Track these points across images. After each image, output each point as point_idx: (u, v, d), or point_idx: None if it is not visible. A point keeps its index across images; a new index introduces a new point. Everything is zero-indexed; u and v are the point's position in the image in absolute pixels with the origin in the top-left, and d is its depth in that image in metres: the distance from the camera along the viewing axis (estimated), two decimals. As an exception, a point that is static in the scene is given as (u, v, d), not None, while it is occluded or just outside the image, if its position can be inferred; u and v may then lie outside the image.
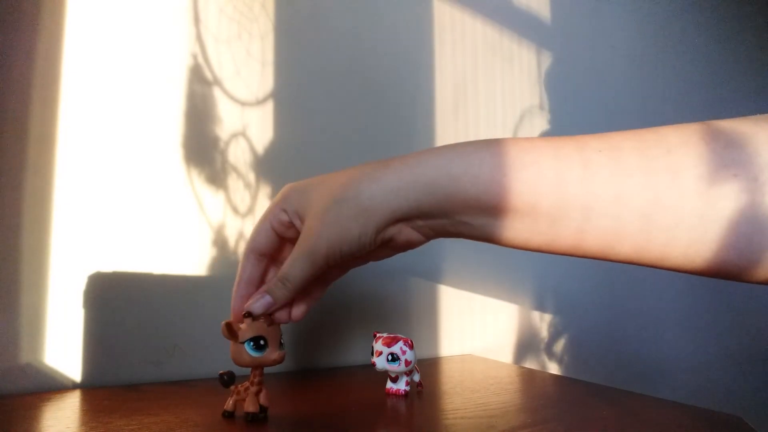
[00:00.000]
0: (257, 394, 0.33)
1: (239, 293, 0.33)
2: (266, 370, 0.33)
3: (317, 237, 0.29)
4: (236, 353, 0.31)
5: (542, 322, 0.82)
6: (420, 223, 0.29)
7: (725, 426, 0.38)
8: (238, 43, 0.55)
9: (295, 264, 0.30)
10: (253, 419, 0.32)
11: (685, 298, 1.04)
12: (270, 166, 0.56)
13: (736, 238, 0.22)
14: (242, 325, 0.31)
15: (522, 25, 0.84)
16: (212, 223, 0.52)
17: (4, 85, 0.43)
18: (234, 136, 0.54)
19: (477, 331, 0.74)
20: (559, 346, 0.84)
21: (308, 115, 0.60)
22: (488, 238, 0.29)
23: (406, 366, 0.40)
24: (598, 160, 0.25)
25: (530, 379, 0.54)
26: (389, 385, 0.43)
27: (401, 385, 0.43)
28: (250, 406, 0.32)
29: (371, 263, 0.35)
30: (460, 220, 0.28)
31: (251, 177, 0.55)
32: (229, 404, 0.34)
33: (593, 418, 0.38)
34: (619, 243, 0.25)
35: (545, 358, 0.82)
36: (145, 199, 0.49)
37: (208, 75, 0.53)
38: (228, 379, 0.32)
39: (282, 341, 0.33)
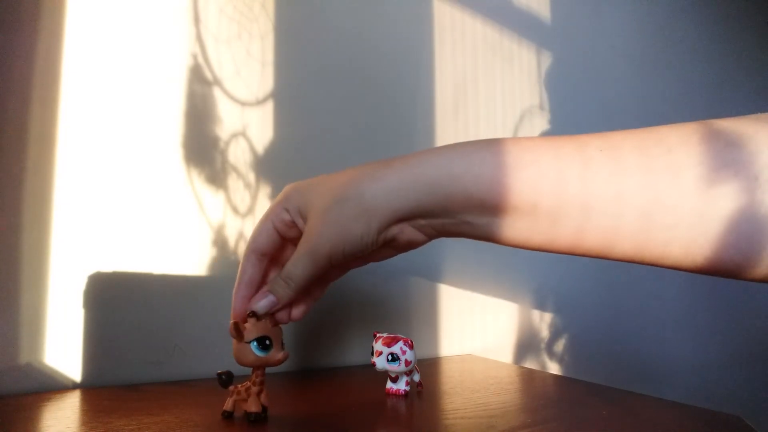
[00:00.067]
0: (259, 394, 0.33)
1: (240, 294, 0.33)
2: (267, 370, 0.33)
3: (319, 236, 0.29)
4: (240, 353, 0.31)
5: (542, 322, 0.82)
6: (422, 222, 0.29)
7: (725, 426, 0.38)
8: (238, 43, 0.55)
9: (297, 263, 0.30)
10: (255, 419, 0.32)
11: (685, 298, 1.05)
12: (270, 166, 0.56)
13: (737, 237, 0.22)
14: (246, 325, 0.31)
15: (522, 25, 0.84)
16: (212, 223, 0.52)
17: (4, 85, 0.43)
18: (234, 136, 0.54)
19: (477, 331, 0.74)
20: (560, 345, 0.84)
21: (308, 115, 0.60)
22: (489, 237, 0.29)
23: (406, 366, 0.40)
24: (599, 160, 0.25)
25: (530, 379, 0.54)
26: (389, 385, 0.43)
27: (401, 385, 0.43)
28: (252, 406, 0.32)
29: (371, 263, 0.35)
30: (462, 219, 0.28)
31: (251, 177, 0.55)
32: (228, 404, 0.34)
33: (593, 418, 0.38)
34: (619, 241, 0.25)
35: (545, 357, 0.82)
36: (145, 199, 0.49)
37: (208, 75, 0.53)
38: (226, 379, 0.32)
39: (282, 342, 0.33)
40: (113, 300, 0.47)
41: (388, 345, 0.40)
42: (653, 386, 0.97)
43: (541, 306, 0.83)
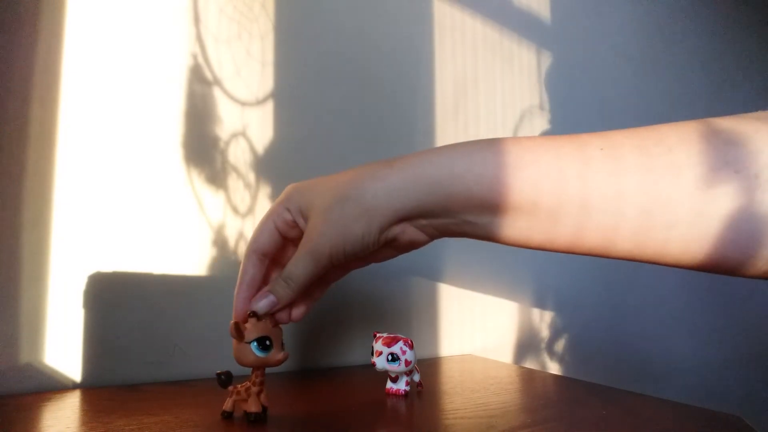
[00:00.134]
0: (259, 394, 0.33)
1: (241, 294, 0.33)
2: (267, 370, 0.33)
3: (320, 236, 0.29)
4: (240, 353, 0.31)
5: (542, 322, 0.82)
6: (423, 222, 0.29)
7: (725, 426, 0.38)
8: (238, 43, 0.55)
9: (298, 263, 0.30)
10: (255, 419, 0.32)
11: (685, 298, 1.05)
12: (270, 166, 0.56)
13: (737, 235, 0.23)
14: (247, 325, 0.31)
15: (522, 25, 0.84)
16: (212, 223, 0.52)
17: (4, 85, 0.43)
18: (234, 136, 0.54)
19: (477, 331, 0.74)
20: (560, 345, 0.84)
21: (308, 115, 0.60)
22: (490, 236, 0.29)
23: (406, 366, 0.40)
24: (599, 159, 0.25)
25: (530, 379, 0.54)
26: (389, 385, 0.43)
27: (401, 385, 0.43)
28: (252, 407, 0.32)
29: (372, 263, 0.35)
30: (463, 218, 0.28)
31: (251, 177, 0.55)
32: (228, 404, 0.34)
33: (593, 418, 0.38)
34: (619, 240, 0.25)
35: (545, 357, 0.82)
36: (145, 199, 0.49)
37: (208, 75, 0.53)
38: (225, 379, 0.32)
39: (283, 342, 0.33)
40: (113, 300, 0.47)
41: (388, 345, 0.40)
42: (653, 385, 0.97)
43: (541, 306, 0.83)
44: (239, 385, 0.33)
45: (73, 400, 0.40)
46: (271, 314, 0.32)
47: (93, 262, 0.46)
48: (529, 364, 0.80)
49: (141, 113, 0.49)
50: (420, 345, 0.65)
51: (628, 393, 0.46)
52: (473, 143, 0.28)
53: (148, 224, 0.49)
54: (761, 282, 1.08)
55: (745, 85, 1.24)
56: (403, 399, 0.42)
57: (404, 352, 0.40)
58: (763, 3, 1.31)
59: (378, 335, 0.42)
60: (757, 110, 0.25)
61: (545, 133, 0.86)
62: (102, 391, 0.43)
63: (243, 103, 0.55)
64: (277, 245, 0.33)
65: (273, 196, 0.56)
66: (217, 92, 0.53)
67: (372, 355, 0.41)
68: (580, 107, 0.92)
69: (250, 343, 0.31)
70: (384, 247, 0.31)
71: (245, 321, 0.31)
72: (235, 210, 0.54)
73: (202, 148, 0.52)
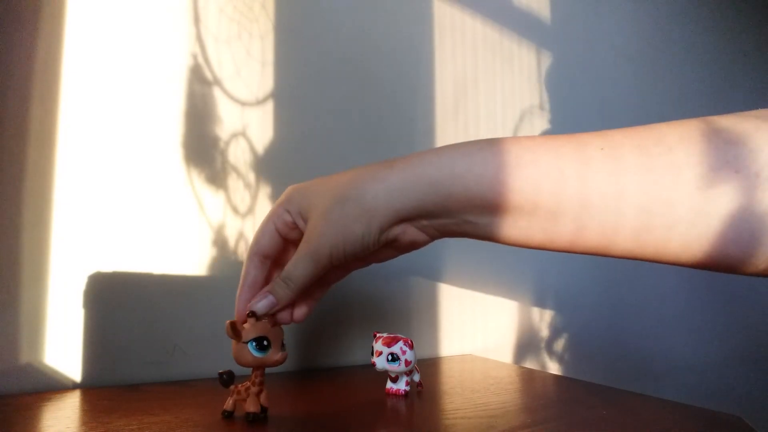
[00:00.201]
0: (258, 394, 0.33)
1: (243, 296, 0.32)
2: (266, 370, 0.33)
3: (320, 236, 0.29)
4: (238, 353, 0.31)
5: (542, 322, 0.82)
6: (424, 222, 0.29)
7: (725, 426, 0.38)
8: (238, 43, 0.55)
9: (298, 264, 0.30)
10: (254, 419, 0.32)
11: (686, 297, 1.05)
12: (270, 166, 0.56)
13: (737, 234, 0.23)
14: (246, 325, 0.31)
15: (522, 25, 0.84)
16: (212, 223, 0.52)
17: (4, 85, 0.43)
18: (234, 136, 0.54)
19: (477, 331, 0.74)
20: (559, 345, 0.84)
21: (308, 115, 0.60)
22: (491, 236, 0.29)
23: (406, 366, 0.40)
24: (599, 158, 0.25)
25: (530, 379, 0.54)
26: (389, 385, 0.43)
27: (401, 385, 0.43)
28: (251, 407, 0.32)
29: (372, 264, 0.35)
30: (464, 219, 0.28)
31: (251, 177, 0.55)
32: (228, 404, 0.34)
33: (593, 418, 0.38)
34: (619, 239, 0.25)
35: (545, 357, 0.82)
36: (145, 199, 0.49)
37: (208, 75, 0.53)
38: (227, 379, 0.32)
39: (284, 342, 0.33)
40: (113, 300, 0.46)
41: (388, 345, 0.40)
42: (653, 384, 0.97)
43: (541, 305, 0.83)
44: (240, 385, 0.33)
45: (73, 400, 0.40)
46: (271, 315, 0.32)
47: (93, 262, 0.46)
48: (529, 364, 0.80)
49: (141, 113, 0.49)
50: (420, 345, 0.65)
51: (628, 393, 0.46)
52: (473, 143, 0.28)
53: (148, 224, 0.49)
54: (762, 280, 1.08)
55: (744, 85, 1.24)
56: (403, 399, 0.42)
57: (404, 352, 0.40)
58: (763, 3, 1.31)
59: (378, 335, 0.42)
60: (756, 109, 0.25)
61: (545, 133, 0.86)
62: (102, 391, 0.43)
63: (243, 103, 0.55)
64: (278, 247, 0.33)
65: (273, 196, 0.56)
66: (217, 92, 0.53)
67: (372, 355, 0.41)
68: (580, 107, 0.92)
69: (247, 343, 0.31)
70: (384, 247, 0.31)
71: (245, 322, 0.31)
72: (235, 210, 0.54)
73: (202, 148, 0.52)
